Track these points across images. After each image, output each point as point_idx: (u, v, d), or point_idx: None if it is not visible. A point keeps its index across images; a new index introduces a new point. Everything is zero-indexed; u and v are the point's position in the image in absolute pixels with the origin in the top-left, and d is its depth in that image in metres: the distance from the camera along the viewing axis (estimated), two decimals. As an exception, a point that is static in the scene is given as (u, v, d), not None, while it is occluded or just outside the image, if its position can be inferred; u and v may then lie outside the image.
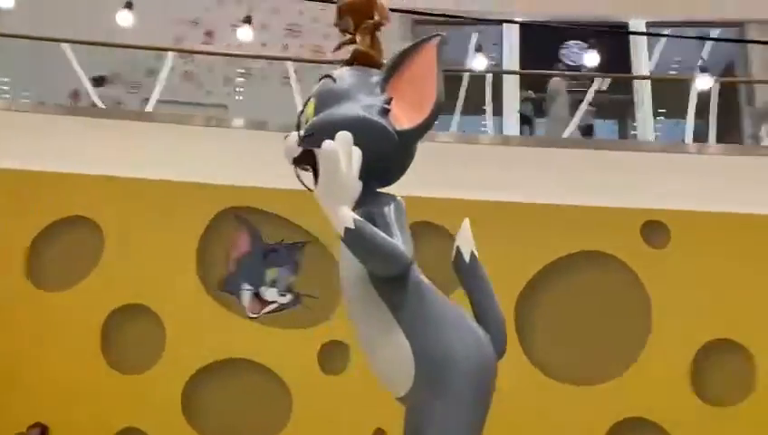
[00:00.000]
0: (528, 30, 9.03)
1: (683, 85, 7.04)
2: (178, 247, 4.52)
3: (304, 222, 4.64)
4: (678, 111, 7.01)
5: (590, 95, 6.56)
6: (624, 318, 4.56)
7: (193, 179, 4.72)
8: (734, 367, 4.43)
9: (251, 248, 4.65)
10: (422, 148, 1.92)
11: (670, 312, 4.46)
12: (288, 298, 4.55)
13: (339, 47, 2.07)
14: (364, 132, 1.70)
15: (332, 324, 4.40)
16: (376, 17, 1.99)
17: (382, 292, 1.77)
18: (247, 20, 7.30)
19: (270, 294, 4.54)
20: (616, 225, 4.71)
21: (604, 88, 7.51)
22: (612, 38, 8.88)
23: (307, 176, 1.81)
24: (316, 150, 1.76)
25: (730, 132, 8.22)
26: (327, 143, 1.62)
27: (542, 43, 9.04)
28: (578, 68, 8.44)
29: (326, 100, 1.88)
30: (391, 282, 1.76)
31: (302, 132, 1.82)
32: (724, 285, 4.52)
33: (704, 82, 6.14)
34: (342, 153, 1.62)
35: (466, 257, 2.00)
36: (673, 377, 4.37)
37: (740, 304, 4.50)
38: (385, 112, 1.79)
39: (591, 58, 7.79)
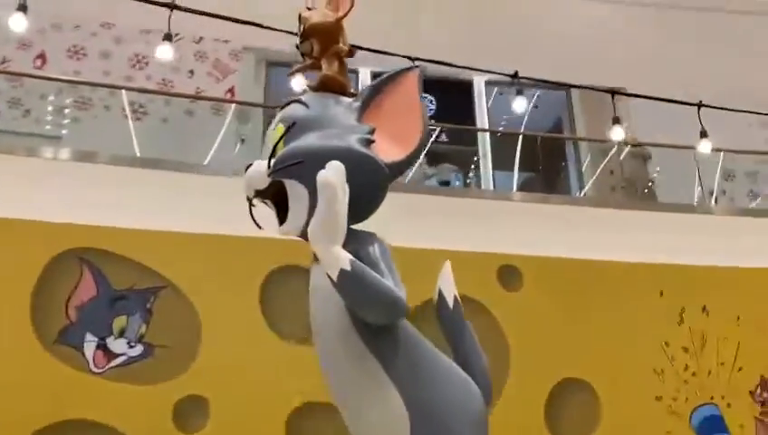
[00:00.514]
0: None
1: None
2: (8, 295, 3.93)
3: (158, 265, 4.27)
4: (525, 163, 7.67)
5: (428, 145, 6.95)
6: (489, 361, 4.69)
7: (25, 217, 4.17)
8: (581, 404, 4.71)
9: (96, 294, 4.17)
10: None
11: (526, 354, 4.66)
12: (138, 350, 4.12)
13: (300, 71, 1.96)
14: (352, 164, 1.55)
15: (189, 378, 4.04)
16: (341, 43, 1.87)
17: (370, 342, 1.60)
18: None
19: (118, 345, 4.08)
20: (475, 269, 4.89)
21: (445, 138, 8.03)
22: (461, 93, 9.48)
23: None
24: (289, 184, 1.62)
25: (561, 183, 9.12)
26: (328, 174, 1.46)
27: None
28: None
29: (298, 127, 1.73)
30: (381, 331, 1.61)
31: (272, 161, 1.65)
32: (570, 325, 4.84)
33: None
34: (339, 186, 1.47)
35: (450, 302, 1.95)
36: (529, 418, 4.53)
37: (584, 344, 4.83)
38: (368, 143, 1.68)
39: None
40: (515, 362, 4.65)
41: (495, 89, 9.85)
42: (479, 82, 9.81)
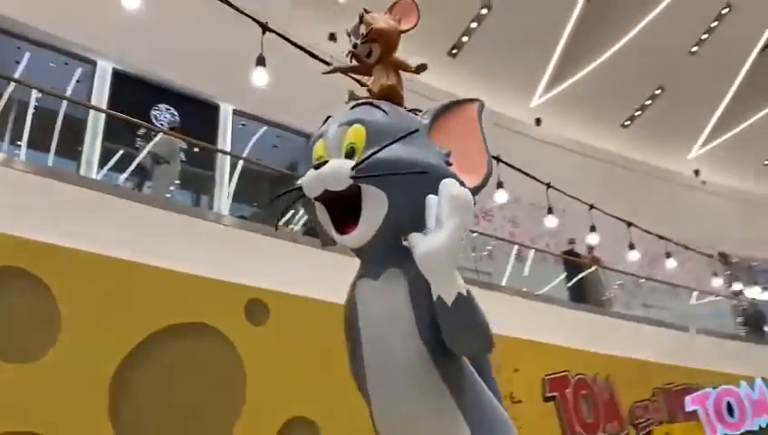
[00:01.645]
0: (122, 82, 8.69)
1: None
2: None
3: None
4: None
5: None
6: (221, 394, 4.55)
7: None
8: (307, 442, 4.83)
9: None
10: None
11: (261, 390, 4.64)
12: None
13: (347, 71, 1.86)
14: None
15: None
16: (396, 53, 1.82)
17: (447, 377, 1.56)
18: None
19: None
20: (222, 299, 4.77)
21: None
22: (206, 115, 9.23)
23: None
24: (370, 191, 1.57)
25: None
26: (467, 195, 1.40)
27: (135, 98, 8.75)
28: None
29: (380, 133, 1.65)
30: (455, 366, 1.58)
31: (358, 164, 1.57)
32: (306, 365, 4.97)
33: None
34: None
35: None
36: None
37: (314, 384, 4.98)
38: (448, 166, 1.65)
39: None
40: (250, 398, 4.60)
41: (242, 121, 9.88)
42: (226, 108, 9.71)
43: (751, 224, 17.04)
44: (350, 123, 1.70)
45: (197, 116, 8.97)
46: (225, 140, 9.43)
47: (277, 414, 4.73)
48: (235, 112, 9.82)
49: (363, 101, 1.81)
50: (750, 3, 14.81)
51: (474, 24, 13.60)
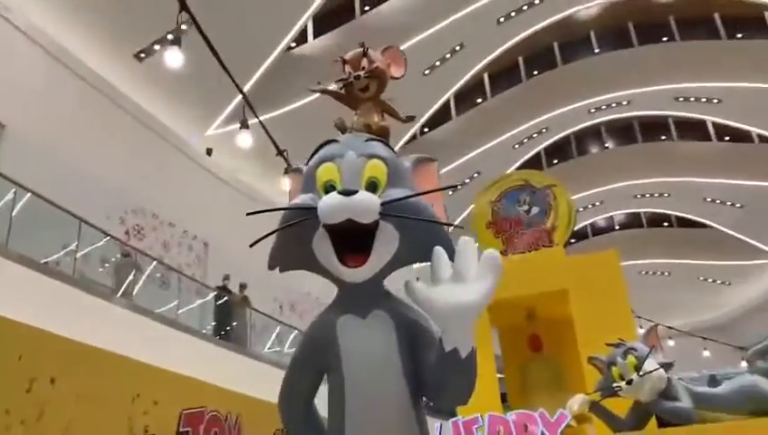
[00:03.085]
0: None
1: None
2: None
3: None
4: None
5: None
6: None
7: None
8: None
9: None
10: None
11: None
12: None
13: (334, 95, 2.05)
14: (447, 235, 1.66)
15: None
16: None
17: (418, 416, 1.69)
18: None
19: None
20: None
21: None
22: None
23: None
24: (388, 229, 1.63)
25: None
26: (495, 252, 1.48)
27: None
28: None
29: (399, 174, 1.71)
30: (420, 405, 1.68)
31: (385, 203, 1.64)
32: None
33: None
34: None
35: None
36: None
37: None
38: None
39: None
40: None
41: None
42: None
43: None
44: (369, 156, 1.70)
45: None
46: None
47: None
48: None
49: (374, 137, 1.81)
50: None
51: (170, 36, 13.04)
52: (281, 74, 14.85)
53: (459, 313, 1.50)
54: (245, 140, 11.65)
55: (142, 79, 13.35)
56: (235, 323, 10.59)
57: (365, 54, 1.95)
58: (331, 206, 1.62)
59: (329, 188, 1.72)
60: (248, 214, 1.76)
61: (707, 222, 24.38)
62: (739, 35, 18.87)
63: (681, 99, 20.13)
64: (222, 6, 13.02)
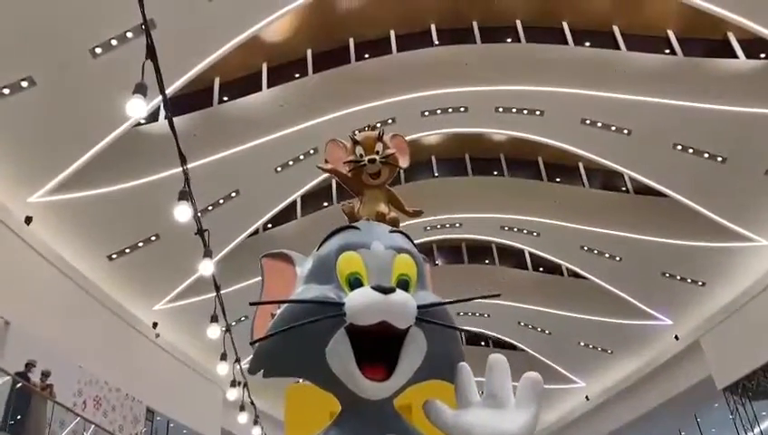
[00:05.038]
0: None
1: None
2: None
3: None
4: None
5: None
6: None
7: None
8: None
9: None
10: None
11: None
12: None
13: (343, 179, 1.88)
14: None
15: None
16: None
17: None
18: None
19: None
20: None
21: None
22: None
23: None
24: (420, 336, 1.49)
25: None
26: (537, 375, 1.46)
27: None
28: None
29: (422, 270, 1.61)
30: None
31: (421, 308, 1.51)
32: None
33: None
34: None
35: None
36: None
37: None
38: None
39: None
40: None
41: None
42: None
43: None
44: (398, 250, 1.54)
45: None
46: None
47: None
48: None
49: (396, 229, 1.68)
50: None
51: (6, 91, 11.93)
52: (122, 149, 14.07)
53: None
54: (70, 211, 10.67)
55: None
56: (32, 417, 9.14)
57: (380, 138, 1.82)
58: (365, 304, 1.39)
59: (353, 281, 1.49)
60: (251, 304, 1.49)
61: (518, 344, 26.13)
62: (558, 179, 21.35)
63: (506, 228, 21.97)
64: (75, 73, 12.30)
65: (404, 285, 1.53)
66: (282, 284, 1.64)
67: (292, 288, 1.59)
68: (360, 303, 1.41)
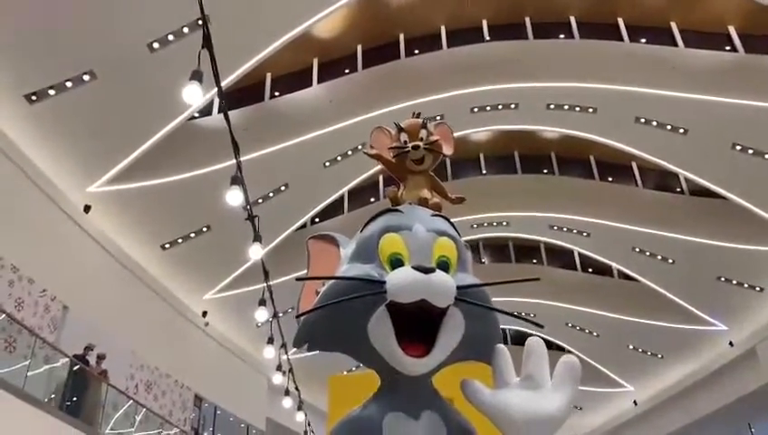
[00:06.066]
0: None
1: None
2: None
3: None
4: None
5: None
6: None
7: None
8: None
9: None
10: None
11: None
12: None
13: (388, 164, 1.91)
14: None
15: None
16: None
17: None
18: None
19: None
20: None
21: None
22: None
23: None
24: (458, 316, 1.49)
25: None
26: (575, 359, 1.47)
27: None
28: None
29: (465, 257, 1.63)
30: None
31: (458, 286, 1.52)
32: None
33: None
34: None
35: None
36: None
37: None
38: None
39: None
40: None
41: None
42: None
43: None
44: (439, 233, 1.56)
45: None
46: None
47: None
48: None
49: (438, 213, 1.72)
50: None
51: (69, 84, 12.39)
52: (176, 141, 14.44)
53: (539, 424, 1.37)
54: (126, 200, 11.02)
55: (30, 120, 12.43)
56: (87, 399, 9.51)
57: (424, 126, 1.86)
58: (406, 282, 1.44)
59: (395, 261, 1.53)
60: (297, 279, 1.55)
61: (566, 346, 25.72)
62: (610, 178, 20.89)
63: (555, 227, 21.63)
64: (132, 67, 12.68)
65: (444, 266, 1.56)
66: (326, 263, 1.71)
67: (336, 267, 1.65)
68: (401, 281, 1.46)
